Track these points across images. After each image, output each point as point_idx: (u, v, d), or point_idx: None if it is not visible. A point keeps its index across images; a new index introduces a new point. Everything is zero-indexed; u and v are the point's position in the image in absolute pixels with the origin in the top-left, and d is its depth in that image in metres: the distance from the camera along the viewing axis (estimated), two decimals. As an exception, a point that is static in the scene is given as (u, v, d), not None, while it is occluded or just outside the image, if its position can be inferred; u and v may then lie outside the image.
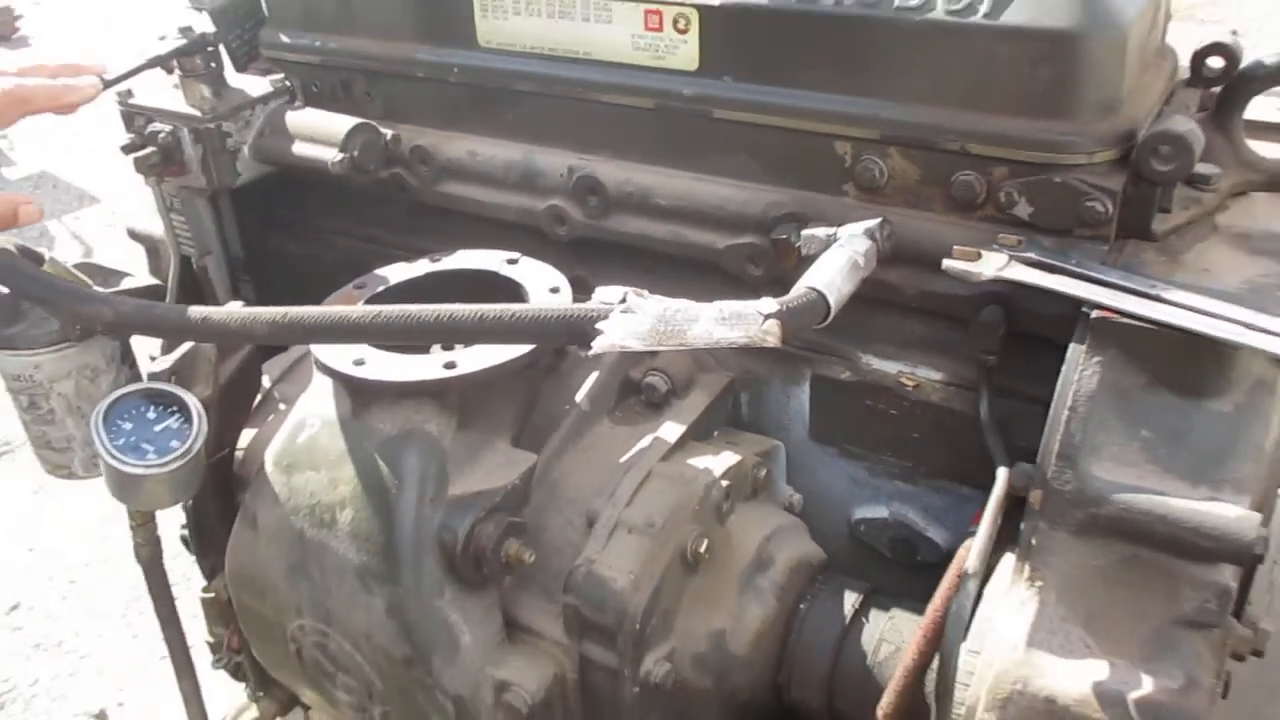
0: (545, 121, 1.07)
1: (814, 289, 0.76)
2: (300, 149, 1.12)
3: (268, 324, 0.81)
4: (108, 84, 1.04)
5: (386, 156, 1.13)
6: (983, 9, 0.81)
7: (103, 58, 1.08)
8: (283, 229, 1.27)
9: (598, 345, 0.72)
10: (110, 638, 2.72)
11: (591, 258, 1.06)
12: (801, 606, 0.90)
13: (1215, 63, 0.89)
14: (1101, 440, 0.75)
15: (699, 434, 0.96)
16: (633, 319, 0.72)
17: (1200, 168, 0.87)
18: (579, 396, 0.96)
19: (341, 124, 1.09)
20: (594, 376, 0.96)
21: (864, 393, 0.96)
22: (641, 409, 0.98)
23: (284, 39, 1.20)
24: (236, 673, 1.40)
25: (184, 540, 1.11)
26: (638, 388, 0.98)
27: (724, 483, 0.88)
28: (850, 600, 0.89)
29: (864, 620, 0.88)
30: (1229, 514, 0.70)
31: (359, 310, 0.77)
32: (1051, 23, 0.80)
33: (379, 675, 0.87)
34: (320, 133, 1.11)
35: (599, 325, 0.72)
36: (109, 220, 3.79)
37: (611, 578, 0.83)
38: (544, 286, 0.96)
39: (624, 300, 0.73)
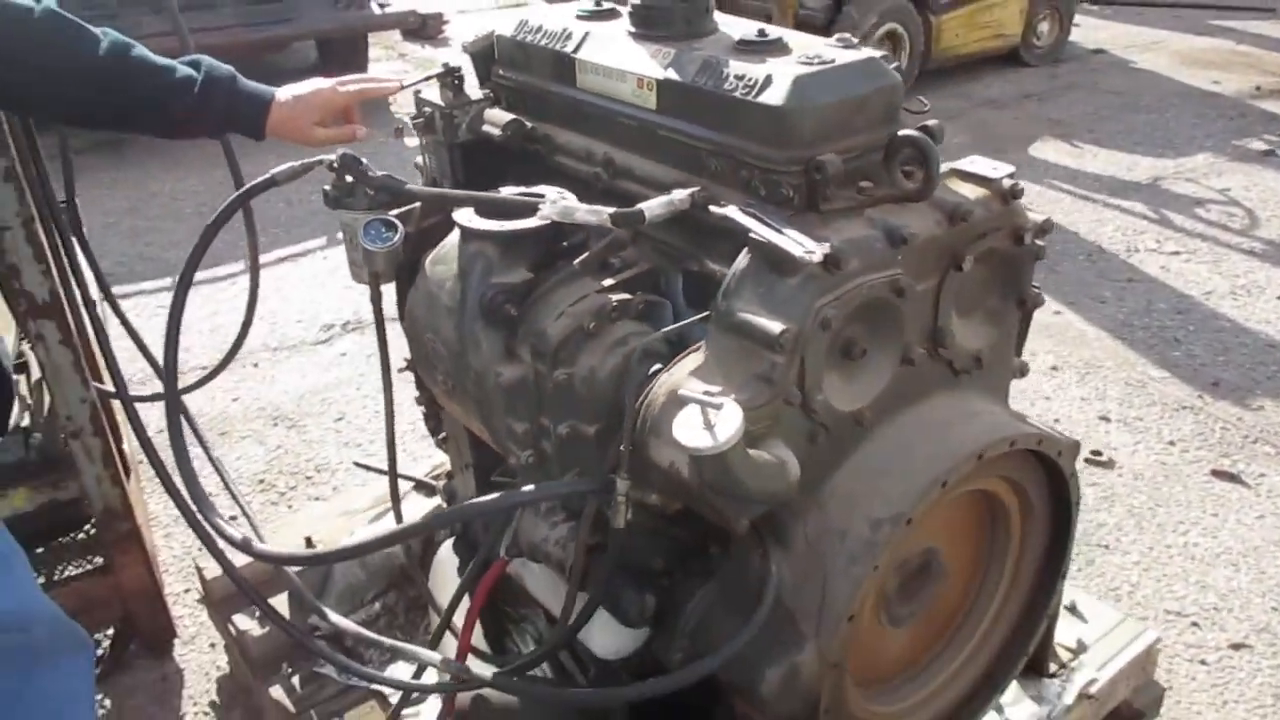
0: (598, 127, 2.02)
1: (639, 207, 1.70)
2: (487, 128, 2.15)
3: (437, 195, 1.88)
4: (404, 86, 2.16)
5: (527, 137, 2.13)
6: (753, 93, 1.69)
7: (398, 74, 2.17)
8: (477, 168, 2.25)
9: (538, 217, 1.72)
10: (391, 446, 3.96)
11: (611, 198, 2.01)
12: (635, 365, 1.82)
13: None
14: (742, 291, 1.61)
15: (624, 289, 1.89)
16: (554, 206, 1.71)
17: (863, 184, 1.71)
18: (575, 263, 1.93)
19: (507, 117, 2.14)
20: (585, 255, 1.93)
21: (702, 279, 1.84)
22: (603, 274, 1.93)
23: (500, 72, 2.26)
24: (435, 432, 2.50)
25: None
26: (606, 264, 1.94)
27: (614, 302, 1.82)
28: (657, 365, 1.80)
29: (660, 370, 1.78)
30: (772, 324, 1.55)
31: (456, 193, 1.82)
32: (776, 102, 1.66)
33: (450, 360, 1.90)
34: (498, 122, 2.15)
35: (540, 207, 1.71)
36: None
37: (552, 331, 1.79)
38: (577, 206, 1.94)
39: (554, 199, 1.72)
